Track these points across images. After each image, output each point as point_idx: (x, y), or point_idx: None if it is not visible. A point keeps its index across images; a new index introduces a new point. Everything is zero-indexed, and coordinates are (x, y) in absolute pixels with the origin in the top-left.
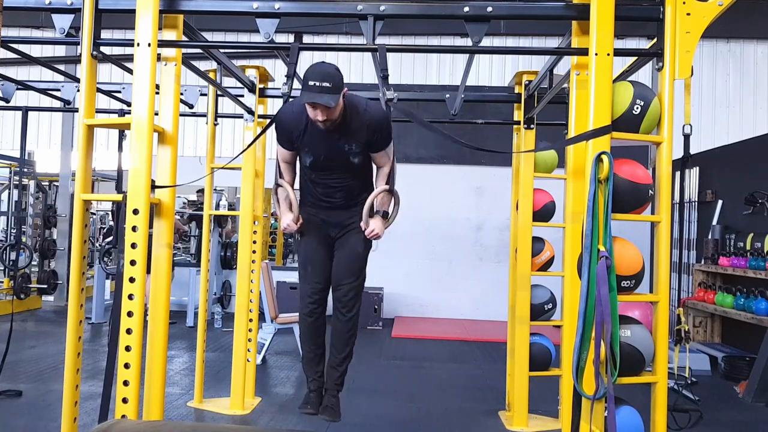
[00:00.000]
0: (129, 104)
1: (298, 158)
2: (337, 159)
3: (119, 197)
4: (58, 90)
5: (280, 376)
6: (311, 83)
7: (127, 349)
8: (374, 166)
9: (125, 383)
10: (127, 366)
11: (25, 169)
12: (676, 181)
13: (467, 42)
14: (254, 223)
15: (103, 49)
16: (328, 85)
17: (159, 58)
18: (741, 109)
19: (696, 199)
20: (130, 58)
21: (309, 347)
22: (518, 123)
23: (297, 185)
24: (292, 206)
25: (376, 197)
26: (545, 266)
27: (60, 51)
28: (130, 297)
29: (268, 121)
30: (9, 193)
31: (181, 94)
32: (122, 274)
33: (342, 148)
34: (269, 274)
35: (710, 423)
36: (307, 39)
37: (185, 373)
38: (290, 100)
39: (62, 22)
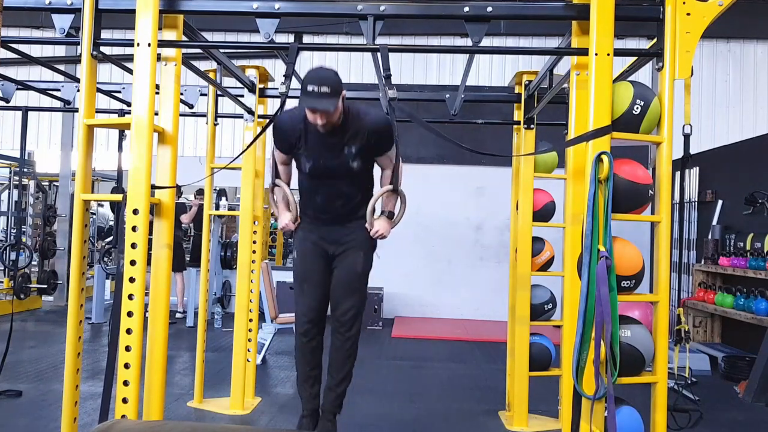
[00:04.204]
0: (129, 104)
1: (295, 162)
2: (337, 164)
3: (119, 197)
4: (58, 90)
5: (280, 376)
6: (310, 88)
7: (127, 349)
8: (375, 178)
9: (125, 383)
10: (127, 366)
11: (25, 169)
12: (676, 181)
13: (467, 42)
14: (254, 223)
15: (103, 49)
16: (326, 90)
17: (159, 58)
18: (741, 109)
19: (696, 199)
20: (130, 58)
21: (304, 368)
22: (518, 123)
23: (294, 186)
24: (290, 205)
25: (380, 197)
26: (545, 266)
27: (60, 51)
28: (130, 297)
29: (267, 121)
30: (9, 193)
31: (181, 94)
32: (122, 274)
33: (341, 152)
34: (269, 274)
35: (710, 423)
36: (307, 39)
37: (185, 373)
38: (288, 102)
39: (62, 22)
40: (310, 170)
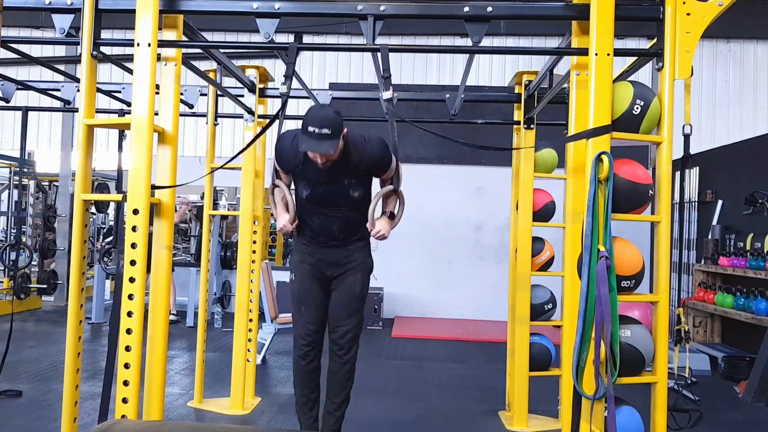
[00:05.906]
0: (129, 104)
1: (293, 183)
2: (336, 193)
3: (119, 197)
4: (58, 90)
5: (280, 376)
6: (311, 129)
7: (127, 349)
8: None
9: (125, 383)
10: (127, 366)
11: (25, 169)
12: (676, 181)
13: (467, 42)
14: (254, 223)
15: (103, 49)
16: (327, 131)
17: (159, 58)
18: (741, 109)
19: (696, 199)
20: (130, 58)
21: (302, 391)
22: (518, 123)
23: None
24: (289, 207)
25: (381, 198)
26: (545, 266)
27: (60, 51)
28: (130, 297)
29: (267, 121)
30: (9, 193)
31: (181, 94)
32: (122, 274)
33: (341, 183)
34: (269, 274)
35: (710, 423)
36: (307, 39)
37: (185, 373)
38: (288, 101)
39: (62, 22)
40: (308, 197)
